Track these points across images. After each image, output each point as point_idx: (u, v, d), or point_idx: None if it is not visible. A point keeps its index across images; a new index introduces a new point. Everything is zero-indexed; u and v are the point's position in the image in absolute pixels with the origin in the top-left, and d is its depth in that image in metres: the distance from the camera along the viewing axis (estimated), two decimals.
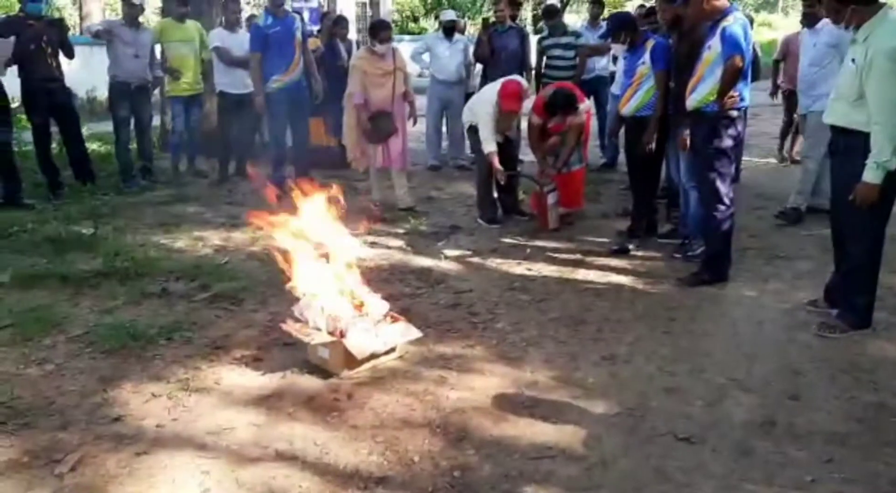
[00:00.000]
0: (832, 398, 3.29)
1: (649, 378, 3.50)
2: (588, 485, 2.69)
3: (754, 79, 5.15)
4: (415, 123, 6.80)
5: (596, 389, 3.40)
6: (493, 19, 8.18)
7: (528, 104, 6.06)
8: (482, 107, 5.82)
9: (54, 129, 6.97)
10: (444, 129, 8.68)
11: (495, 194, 6.26)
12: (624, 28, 5.32)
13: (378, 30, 6.32)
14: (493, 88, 5.90)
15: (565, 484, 2.69)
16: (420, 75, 13.77)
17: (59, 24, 6.96)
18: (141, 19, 7.35)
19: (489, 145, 5.76)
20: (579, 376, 3.52)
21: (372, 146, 6.41)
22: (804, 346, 3.83)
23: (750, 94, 4.63)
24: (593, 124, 7.33)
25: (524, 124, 6.27)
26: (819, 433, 3.01)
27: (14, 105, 6.89)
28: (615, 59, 7.34)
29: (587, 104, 5.98)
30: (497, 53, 7.88)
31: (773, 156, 8.61)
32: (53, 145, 7.11)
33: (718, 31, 4.34)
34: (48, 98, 6.66)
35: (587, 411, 3.21)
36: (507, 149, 6.10)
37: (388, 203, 6.64)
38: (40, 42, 6.45)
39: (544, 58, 8.04)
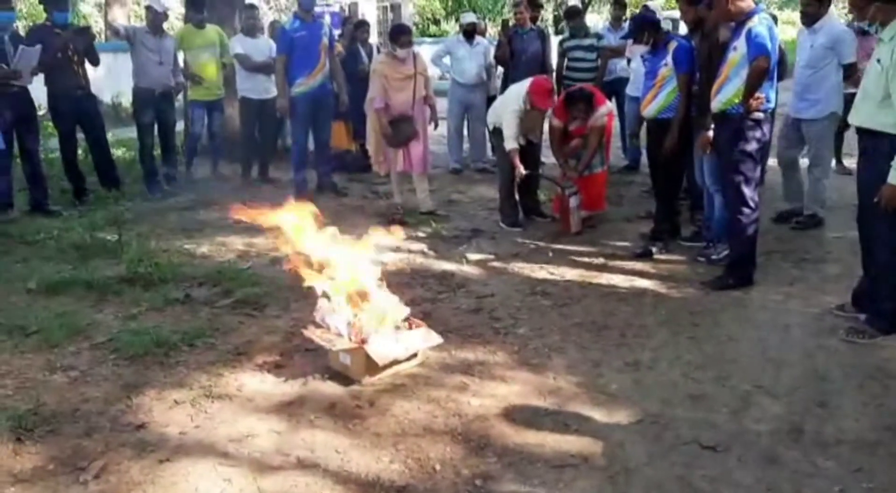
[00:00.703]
0: (861, 406, 3.23)
1: (673, 385, 3.46)
2: None
3: (780, 78, 5.08)
4: (436, 126, 6.79)
5: (619, 396, 3.37)
6: (512, 22, 8.15)
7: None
8: (508, 105, 5.81)
9: (80, 136, 7.04)
10: (465, 132, 8.65)
11: (517, 197, 6.23)
12: (646, 29, 5.27)
13: (398, 34, 6.31)
14: (521, 87, 5.86)
15: None
16: (441, 78, 13.80)
17: (85, 33, 7.03)
18: (165, 26, 7.40)
19: (510, 143, 5.75)
20: (602, 383, 3.49)
21: (393, 150, 6.41)
22: (832, 351, 3.77)
23: (776, 94, 4.56)
24: (615, 126, 7.29)
25: (546, 126, 6.23)
26: (848, 442, 2.95)
27: (40, 113, 6.97)
28: (629, 61, 7.28)
29: (609, 106, 5.93)
30: (517, 56, 7.85)
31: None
32: (79, 152, 7.18)
33: (744, 32, 4.29)
34: (74, 105, 6.73)
35: (610, 418, 3.17)
36: (529, 151, 6.08)
37: (410, 207, 6.64)
38: (66, 51, 6.53)
39: (566, 60, 8.00)
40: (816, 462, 2.82)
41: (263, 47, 7.51)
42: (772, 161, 6.62)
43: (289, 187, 7.23)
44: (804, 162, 6.09)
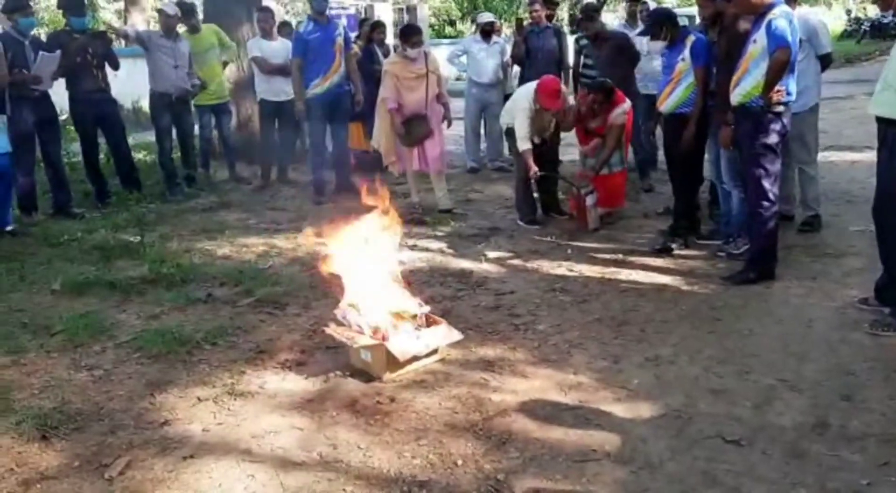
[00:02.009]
0: (886, 399, 3.19)
1: (695, 380, 3.44)
2: (635, 489, 2.65)
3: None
4: (449, 125, 6.83)
5: (640, 391, 3.35)
6: (527, 20, 8.13)
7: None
8: (518, 105, 5.81)
9: (101, 139, 7.12)
10: (482, 131, 8.65)
11: (535, 195, 6.23)
12: (664, 24, 5.24)
13: (409, 34, 6.35)
14: (530, 87, 5.88)
15: (611, 488, 2.65)
16: (457, 78, 13.79)
17: (103, 37, 7.12)
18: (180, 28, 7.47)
19: (523, 144, 5.75)
20: (623, 378, 3.47)
21: (408, 150, 6.42)
22: (856, 345, 3.73)
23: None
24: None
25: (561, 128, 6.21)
26: (874, 435, 2.92)
27: (62, 117, 7.06)
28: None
29: (627, 105, 5.90)
30: (533, 54, 7.83)
31: (830, 148, 8.26)
32: (101, 156, 7.26)
33: (763, 25, 4.25)
34: (94, 109, 6.82)
35: (632, 413, 3.16)
36: (545, 150, 6.07)
37: (427, 206, 6.65)
38: (86, 55, 6.61)
39: (582, 57, 7.96)
40: (842, 456, 2.79)
41: (280, 49, 7.55)
42: None
43: (308, 189, 7.28)
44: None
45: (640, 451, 2.89)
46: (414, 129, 6.30)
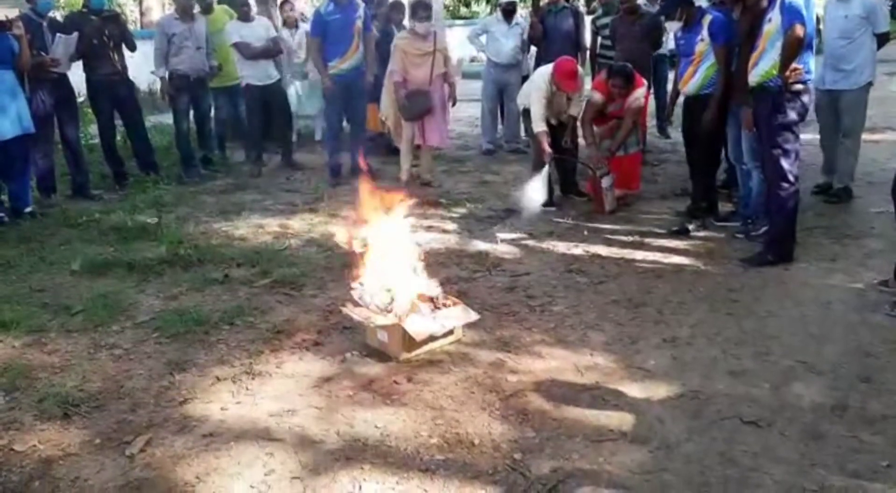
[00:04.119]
0: None
1: (713, 361, 3.43)
2: (652, 469, 2.65)
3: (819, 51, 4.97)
4: (453, 104, 6.93)
5: (658, 372, 3.34)
6: (544, 0, 8.05)
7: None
8: (535, 86, 5.79)
9: (118, 121, 7.14)
10: (499, 113, 8.59)
11: (553, 177, 6.20)
12: (679, 4, 5.17)
13: (416, 9, 6.48)
14: (547, 68, 5.84)
15: (629, 468, 2.65)
16: (472, 60, 13.68)
17: (117, 19, 7.11)
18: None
19: (538, 125, 5.74)
20: (640, 359, 3.46)
21: (408, 123, 6.50)
22: (876, 327, 3.70)
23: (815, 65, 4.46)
24: (651, 103, 7.21)
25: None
26: (894, 417, 2.90)
27: (80, 99, 7.08)
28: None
29: (645, 88, 5.85)
30: (550, 35, 7.75)
31: None
32: (118, 138, 7.29)
33: (778, 2, 4.19)
34: (111, 91, 6.83)
35: (649, 394, 3.15)
36: (562, 132, 6.03)
37: (445, 188, 6.68)
38: (102, 36, 6.61)
39: (599, 38, 7.89)
40: (862, 438, 2.78)
41: (261, 31, 7.40)
42: (808, 136, 6.48)
43: (324, 171, 7.28)
44: None
45: (657, 432, 2.88)
46: (415, 103, 6.48)
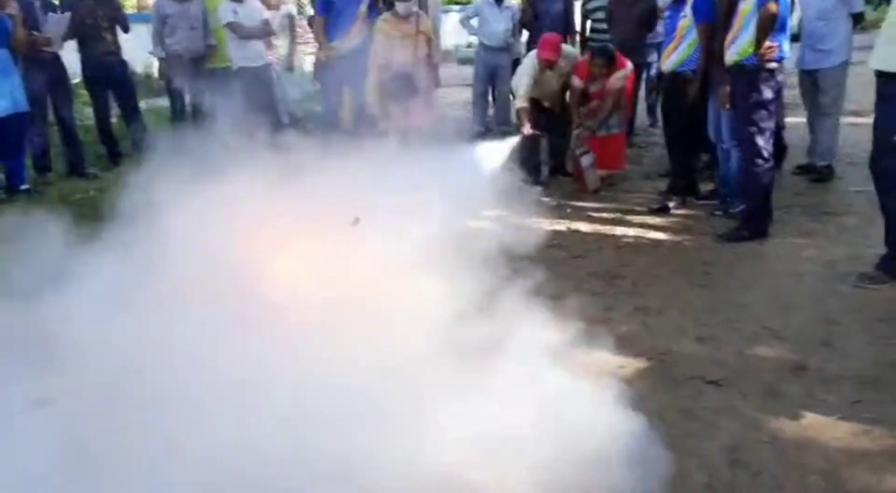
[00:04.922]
0: (865, 345, 3.28)
1: (682, 328, 3.55)
2: None
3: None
4: (437, 86, 7.02)
5: (628, 337, 3.47)
6: None
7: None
8: (523, 66, 5.90)
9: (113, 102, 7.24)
10: (490, 96, 8.68)
11: (541, 157, 6.32)
12: None
13: None
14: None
15: None
16: (469, 46, 13.70)
17: (111, 0, 7.18)
18: None
19: (521, 101, 5.84)
20: (612, 326, 3.57)
21: (393, 106, 6.59)
22: (843, 297, 3.81)
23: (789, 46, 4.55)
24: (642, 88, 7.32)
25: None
26: (849, 378, 3.02)
27: (75, 81, 7.17)
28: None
29: (629, 69, 5.93)
30: (541, 18, 7.84)
31: None
32: (113, 120, 7.38)
33: None
34: (106, 72, 6.92)
35: (618, 357, 3.27)
36: (552, 117, 6.12)
37: None
38: (95, 17, 6.71)
39: (589, 21, 7.97)
40: (816, 395, 2.90)
41: (255, 12, 7.43)
42: (796, 119, 6.59)
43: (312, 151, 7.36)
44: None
45: (622, 391, 2.99)
46: (398, 86, 6.49)
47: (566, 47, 6.02)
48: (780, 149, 6.26)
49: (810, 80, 5.80)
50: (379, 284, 3.54)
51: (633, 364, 3.21)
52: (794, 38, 4.95)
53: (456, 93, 10.72)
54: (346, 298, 3.03)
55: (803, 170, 6.07)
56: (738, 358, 3.23)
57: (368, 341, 2.79)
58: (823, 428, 2.68)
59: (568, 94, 6.10)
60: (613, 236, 4.90)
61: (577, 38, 8.12)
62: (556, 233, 4.99)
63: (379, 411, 2.41)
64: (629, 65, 5.98)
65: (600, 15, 7.81)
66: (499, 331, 3.46)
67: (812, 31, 5.65)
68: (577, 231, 5.01)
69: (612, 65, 5.74)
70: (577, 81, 5.92)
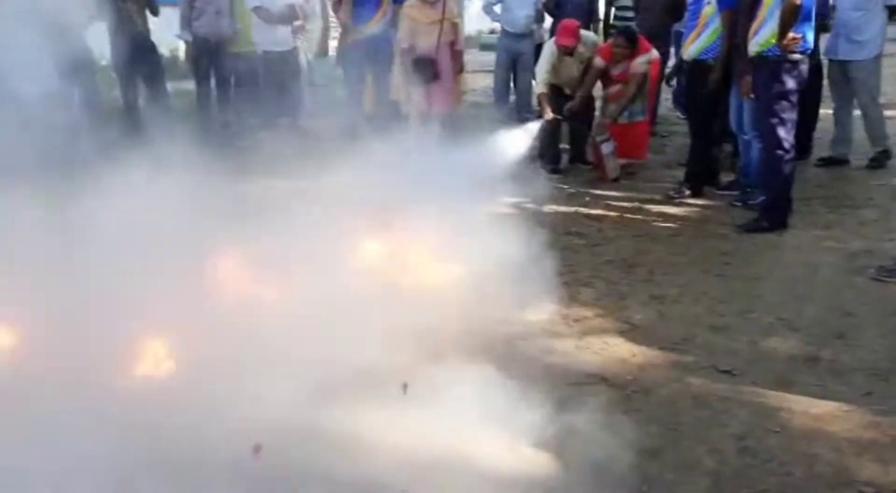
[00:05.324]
0: (879, 338, 3.31)
1: (696, 317, 3.59)
2: (627, 409, 2.82)
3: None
4: (461, 71, 7.04)
5: (643, 325, 3.52)
6: None
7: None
8: (543, 52, 5.94)
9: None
10: (512, 83, 8.68)
11: (560, 145, 6.34)
12: None
13: None
14: None
15: (605, 408, 2.81)
16: (492, 32, 13.67)
17: None
18: None
19: (540, 86, 5.89)
20: (627, 314, 3.63)
21: (415, 90, 6.65)
22: (859, 289, 3.84)
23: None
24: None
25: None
26: (862, 370, 3.05)
27: (103, 63, 7.26)
28: None
29: (653, 55, 5.92)
30: (563, 4, 7.82)
31: None
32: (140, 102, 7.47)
33: None
34: (134, 55, 7.00)
35: (633, 344, 3.33)
36: (574, 104, 6.12)
37: None
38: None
39: (613, 8, 7.95)
40: (828, 386, 2.94)
41: None
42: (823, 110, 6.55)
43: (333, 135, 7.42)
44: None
45: (637, 378, 3.05)
46: (422, 70, 6.55)
47: (586, 33, 6.01)
48: (808, 140, 6.29)
49: (840, 70, 5.78)
50: (398, 271, 3.65)
51: (646, 352, 3.25)
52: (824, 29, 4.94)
53: (479, 79, 10.72)
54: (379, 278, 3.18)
55: (825, 162, 6.05)
56: (751, 348, 3.27)
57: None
58: (833, 419, 2.72)
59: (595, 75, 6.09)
60: (631, 225, 4.93)
61: (601, 25, 8.09)
62: (574, 221, 5.03)
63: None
64: (654, 51, 5.96)
65: (625, 2, 7.80)
66: (514, 317, 3.55)
67: (847, 21, 5.65)
68: (595, 219, 5.05)
69: (634, 46, 5.73)
70: (599, 61, 5.90)
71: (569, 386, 2.97)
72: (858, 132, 6.09)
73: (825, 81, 6.08)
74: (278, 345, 2.60)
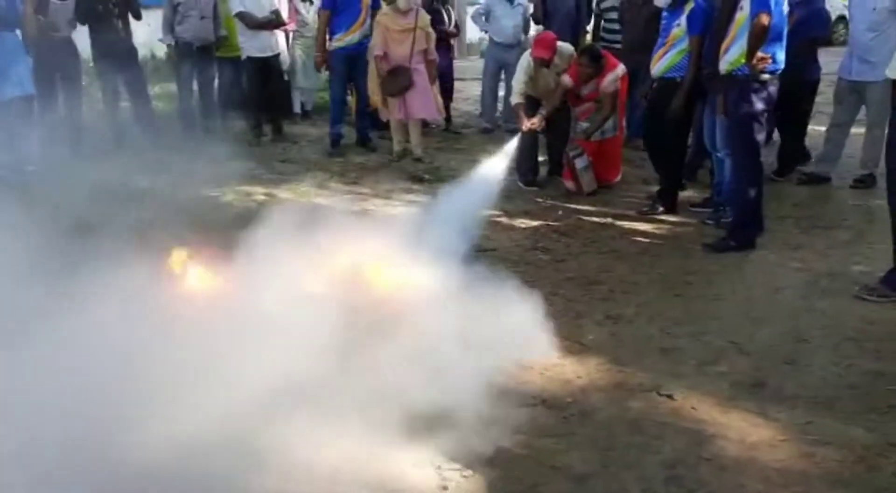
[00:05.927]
0: (830, 365, 3.27)
1: (648, 339, 3.55)
2: (561, 433, 2.79)
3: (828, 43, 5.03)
4: (433, 82, 7.04)
5: (593, 346, 3.48)
6: None
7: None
8: (520, 63, 5.93)
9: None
10: (500, 92, 8.67)
11: (539, 157, 6.31)
12: None
13: None
14: None
15: (539, 432, 2.79)
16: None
17: None
18: None
19: (516, 97, 5.89)
20: (579, 334, 3.60)
21: (392, 99, 6.76)
22: (818, 313, 3.79)
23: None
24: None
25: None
26: (806, 397, 3.01)
27: (90, 65, 7.28)
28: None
29: (621, 71, 5.86)
30: (551, 15, 7.80)
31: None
32: (124, 104, 7.48)
33: None
34: (115, 58, 7.00)
35: (579, 366, 3.29)
36: (557, 122, 6.09)
37: (434, 165, 6.81)
38: (107, 3, 6.79)
39: (602, 21, 7.90)
40: (769, 413, 2.89)
41: (265, 2, 7.47)
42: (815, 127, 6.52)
43: (323, 142, 7.45)
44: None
45: (576, 400, 3.02)
46: (396, 79, 6.66)
47: (562, 45, 5.95)
48: (800, 156, 6.25)
49: (850, 89, 5.75)
50: (351, 284, 3.61)
51: (591, 374, 3.22)
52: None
53: (476, 87, 10.69)
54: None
55: (807, 178, 6.01)
56: (697, 372, 3.23)
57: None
58: (767, 448, 2.68)
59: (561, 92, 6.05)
60: (600, 241, 4.89)
61: (588, 36, 8.06)
62: (543, 235, 5.00)
63: None
64: (621, 66, 5.89)
65: (613, 15, 7.75)
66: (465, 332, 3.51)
67: (861, 42, 5.60)
68: (563, 234, 5.01)
69: (599, 64, 5.69)
70: (567, 80, 5.84)
71: (508, 408, 2.93)
72: (845, 150, 6.05)
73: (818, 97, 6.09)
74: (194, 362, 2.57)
